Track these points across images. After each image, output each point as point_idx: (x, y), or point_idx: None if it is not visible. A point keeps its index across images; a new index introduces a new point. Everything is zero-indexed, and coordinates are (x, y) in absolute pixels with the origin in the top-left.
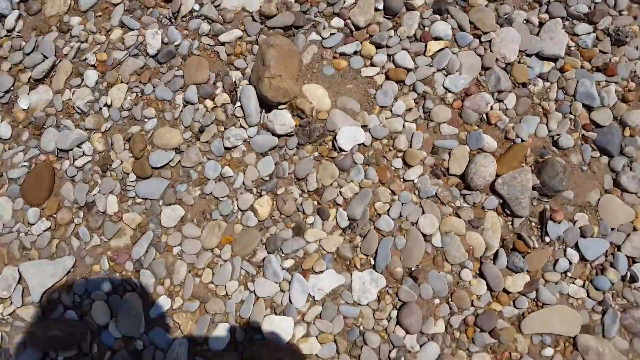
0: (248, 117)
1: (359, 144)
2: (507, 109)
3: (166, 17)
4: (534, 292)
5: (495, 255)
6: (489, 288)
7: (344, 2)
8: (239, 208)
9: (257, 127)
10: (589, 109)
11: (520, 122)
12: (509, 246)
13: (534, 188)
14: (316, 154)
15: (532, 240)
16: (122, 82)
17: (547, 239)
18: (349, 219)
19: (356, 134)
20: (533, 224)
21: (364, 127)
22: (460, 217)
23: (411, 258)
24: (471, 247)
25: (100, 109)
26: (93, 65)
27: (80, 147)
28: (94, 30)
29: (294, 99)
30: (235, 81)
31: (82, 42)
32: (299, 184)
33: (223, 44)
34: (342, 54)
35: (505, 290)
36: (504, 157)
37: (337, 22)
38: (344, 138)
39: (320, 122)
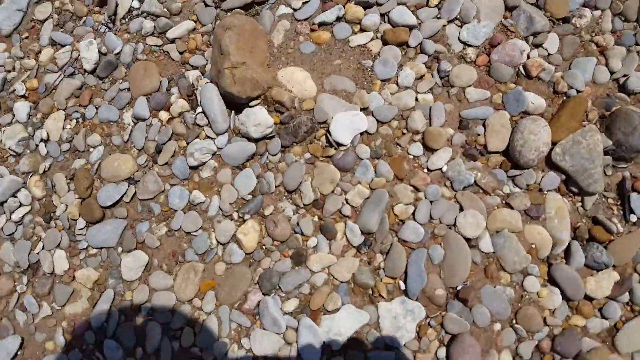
0: (214, 123)
1: (361, 133)
2: (549, 54)
3: (102, 24)
4: (627, 293)
5: (568, 251)
6: (565, 297)
7: None
8: (218, 242)
9: (227, 134)
10: None
11: (570, 69)
12: (583, 236)
13: (605, 152)
14: (307, 155)
15: (614, 223)
16: (58, 109)
17: (634, 218)
18: (362, 233)
19: (355, 120)
20: (611, 200)
21: (364, 110)
22: (512, 208)
23: (455, 273)
24: (533, 246)
25: (37, 146)
26: (23, 96)
27: (16, 197)
28: (20, 55)
29: (268, 90)
30: (192, 83)
31: (8, 72)
32: (292, 198)
33: (173, 40)
34: (321, 24)
35: (587, 297)
36: (558, 117)
37: None
38: (340, 128)
39: (306, 114)
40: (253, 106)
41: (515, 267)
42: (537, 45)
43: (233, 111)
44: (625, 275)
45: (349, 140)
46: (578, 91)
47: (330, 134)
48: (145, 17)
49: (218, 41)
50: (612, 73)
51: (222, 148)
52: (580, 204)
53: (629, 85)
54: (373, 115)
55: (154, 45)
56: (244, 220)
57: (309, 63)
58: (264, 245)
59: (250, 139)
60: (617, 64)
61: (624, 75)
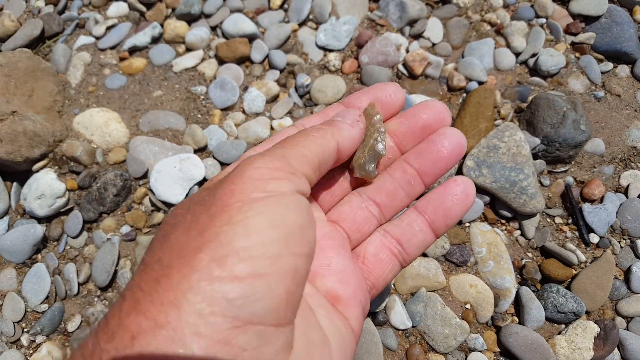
0: None
1: (198, 184)
2: (433, 44)
3: None
4: (616, 348)
5: (517, 303)
6: None
7: None
8: None
9: (7, 217)
10: (563, 0)
11: (464, 57)
12: (534, 277)
13: (535, 156)
14: (126, 228)
15: (571, 251)
16: None
17: (594, 238)
18: None
19: (186, 167)
20: (559, 220)
21: (201, 151)
22: (425, 255)
23: None
24: (468, 306)
25: None
26: None
27: None
28: None
29: (57, 146)
30: None
31: None
32: (107, 298)
33: None
34: (133, 50)
35: None
36: (461, 119)
37: (117, 8)
38: (166, 182)
39: (114, 169)
40: (36, 171)
41: (449, 343)
42: (416, 36)
43: (15, 182)
44: (605, 323)
45: (181, 197)
46: (480, 83)
47: (153, 193)
48: None
49: None
50: (517, 55)
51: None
52: (519, 232)
53: (541, 65)
54: (214, 157)
55: None
56: (38, 345)
57: (118, 101)
58: None
59: (38, 219)
60: (520, 43)
61: (533, 55)
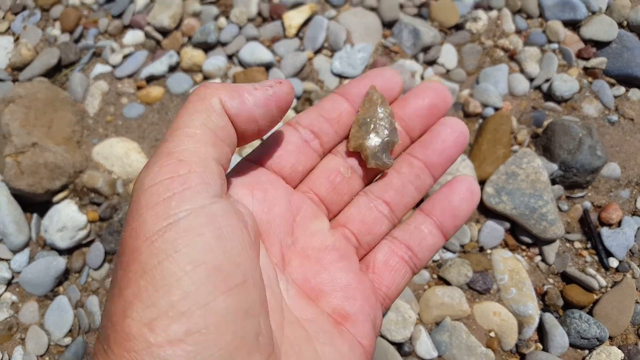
0: (6, 237)
1: None
2: (448, 70)
3: None
4: None
5: (541, 330)
6: None
7: (135, 5)
8: None
9: (27, 249)
10: (574, 25)
11: (478, 83)
12: (557, 304)
13: (553, 181)
14: None
15: (592, 276)
16: None
17: (614, 262)
18: None
19: None
20: (578, 244)
21: None
22: (449, 283)
23: None
24: (492, 334)
25: None
26: None
27: None
28: None
29: (78, 177)
30: None
31: None
32: None
33: None
34: (151, 79)
35: None
36: (479, 146)
37: (132, 36)
38: None
39: None
40: (57, 202)
41: None
42: (430, 63)
43: (35, 214)
44: (629, 348)
45: None
46: (496, 109)
47: None
48: None
49: None
50: (531, 80)
51: (20, 272)
52: (539, 257)
53: (555, 90)
54: None
55: None
56: None
57: (137, 130)
58: None
59: (60, 251)
60: (534, 69)
61: (546, 80)
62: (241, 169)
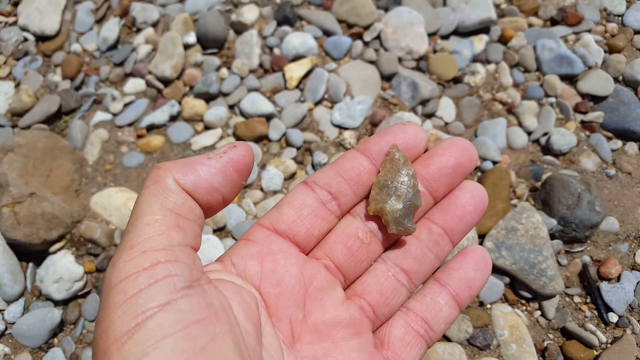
0: (1, 287)
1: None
2: (446, 123)
3: None
4: None
5: None
6: None
7: (137, 54)
8: None
9: (22, 299)
10: (571, 79)
11: (477, 136)
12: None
13: (552, 236)
14: None
15: (592, 332)
16: None
17: (613, 317)
18: None
19: (208, 249)
20: (578, 299)
21: (220, 230)
22: (449, 340)
23: None
24: None
25: None
26: None
27: None
28: None
29: (75, 227)
30: None
31: None
32: None
33: None
34: (151, 128)
35: None
36: None
37: (133, 84)
38: None
39: None
40: (53, 252)
41: None
42: (429, 115)
43: (31, 263)
44: None
45: None
46: (494, 162)
47: None
48: None
49: None
50: (529, 134)
51: (14, 323)
52: (539, 312)
53: (553, 144)
54: (232, 236)
55: None
56: None
57: (136, 179)
58: None
59: (55, 302)
60: (532, 122)
61: (544, 134)
62: (252, 236)
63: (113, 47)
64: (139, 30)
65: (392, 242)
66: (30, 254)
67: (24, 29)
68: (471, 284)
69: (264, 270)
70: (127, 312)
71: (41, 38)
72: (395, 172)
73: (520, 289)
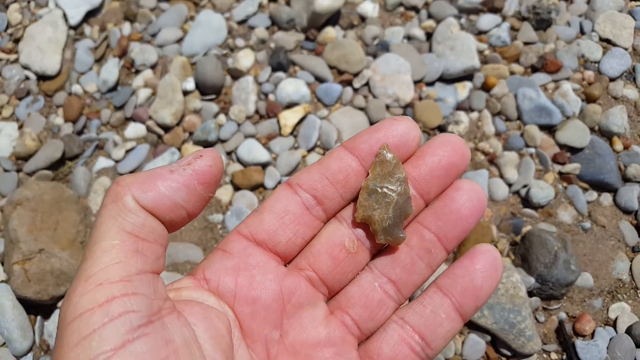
0: (9, 342)
1: None
2: None
3: None
4: None
5: None
6: None
7: (137, 98)
8: None
9: (31, 354)
10: (549, 129)
11: None
12: None
13: (530, 294)
14: None
15: None
16: None
17: None
18: None
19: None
20: (554, 356)
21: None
22: None
23: None
24: None
25: None
26: None
27: None
28: None
29: None
30: None
31: None
32: None
33: None
34: None
35: None
36: (460, 255)
37: (134, 129)
38: None
39: None
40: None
41: None
42: None
43: (39, 317)
44: None
45: None
46: None
47: None
48: None
49: (7, 224)
50: (509, 185)
51: None
52: None
53: (532, 197)
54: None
55: None
56: None
57: None
58: None
59: None
60: (512, 174)
61: (524, 186)
62: (229, 247)
63: (113, 88)
64: (137, 71)
65: (380, 249)
66: (38, 307)
67: (25, 67)
68: (478, 294)
69: (238, 287)
70: (79, 356)
71: (42, 77)
72: (385, 176)
73: (500, 347)
